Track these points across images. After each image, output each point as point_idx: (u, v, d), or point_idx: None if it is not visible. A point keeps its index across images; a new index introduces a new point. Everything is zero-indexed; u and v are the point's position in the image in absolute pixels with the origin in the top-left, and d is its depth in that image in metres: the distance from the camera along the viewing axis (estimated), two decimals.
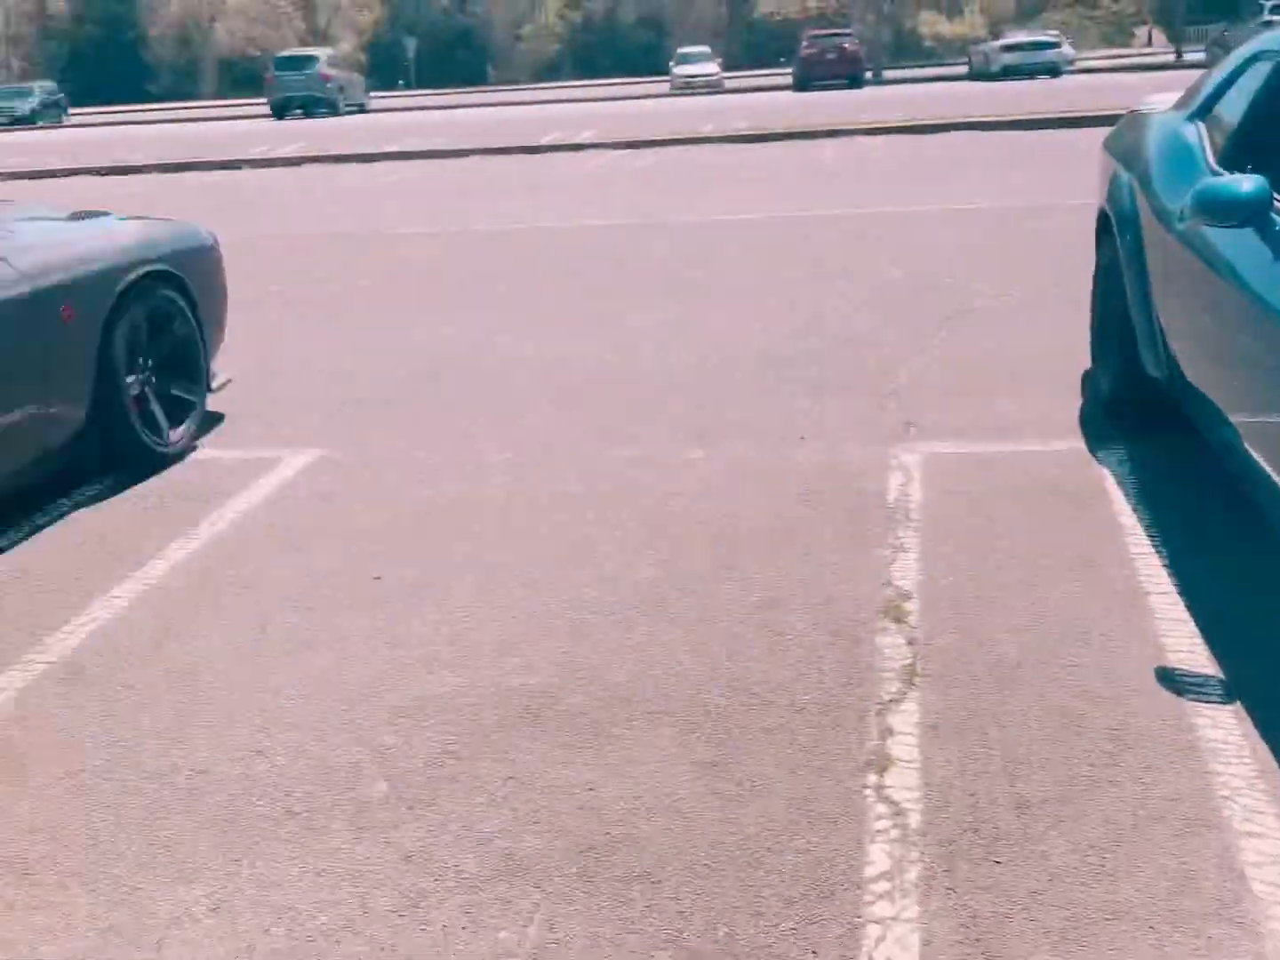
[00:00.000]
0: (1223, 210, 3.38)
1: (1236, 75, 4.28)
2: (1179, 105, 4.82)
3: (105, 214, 5.79)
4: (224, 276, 5.95)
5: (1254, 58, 4.18)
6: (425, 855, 2.64)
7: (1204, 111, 4.44)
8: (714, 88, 40.77)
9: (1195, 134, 4.36)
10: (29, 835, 2.79)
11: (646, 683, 3.28)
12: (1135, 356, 4.59)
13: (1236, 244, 3.45)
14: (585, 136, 22.91)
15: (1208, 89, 4.50)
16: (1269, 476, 3.23)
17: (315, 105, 35.99)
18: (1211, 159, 4.12)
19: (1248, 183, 3.36)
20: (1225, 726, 2.91)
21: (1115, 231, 4.80)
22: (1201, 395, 3.94)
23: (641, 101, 36.20)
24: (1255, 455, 3.34)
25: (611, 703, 3.20)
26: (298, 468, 5.22)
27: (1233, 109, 4.18)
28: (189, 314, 5.46)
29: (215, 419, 5.86)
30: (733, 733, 3.03)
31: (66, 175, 21.63)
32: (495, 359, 6.92)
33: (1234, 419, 3.59)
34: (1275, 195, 3.34)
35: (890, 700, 3.13)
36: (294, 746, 3.09)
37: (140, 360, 5.17)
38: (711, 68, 43.11)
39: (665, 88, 42.16)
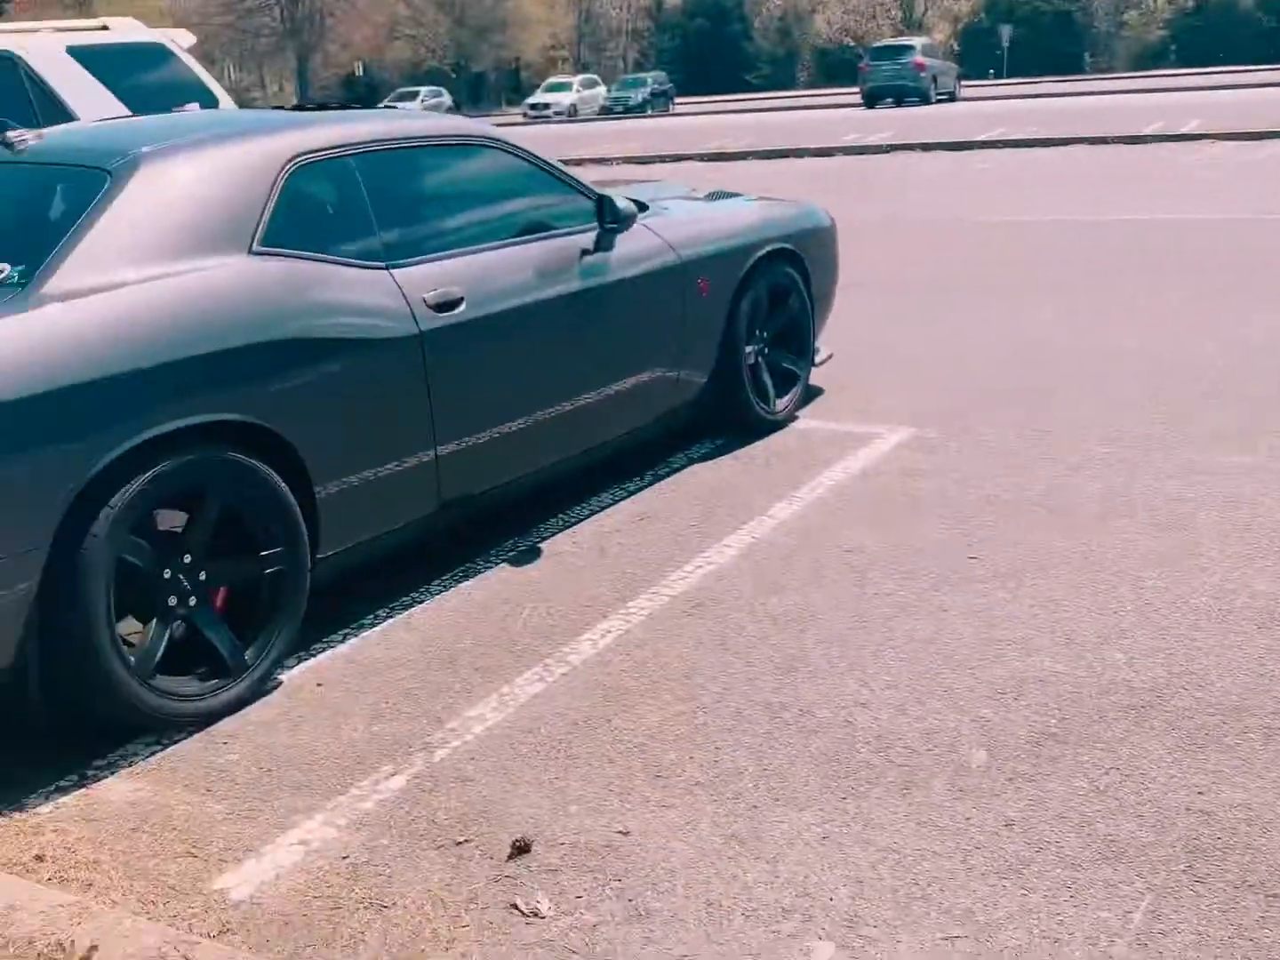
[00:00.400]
0: None
1: None
2: None
3: (737, 195, 6.24)
4: (837, 257, 6.22)
5: None
6: (1026, 826, 2.70)
7: None
8: None
9: None
10: (660, 743, 3.13)
11: (1263, 697, 3.14)
12: None
13: None
14: (1191, 126, 21.54)
15: None
16: None
17: (906, 94, 36.23)
18: None
19: None
20: None
21: None
22: None
23: (1255, 91, 33.39)
24: None
25: (1224, 711, 3.09)
26: (892, 443, 5.39)
27: None
28: (804, 291, 5.78)
29: (815, 392, 6.17)
30: None
31: (673, 160, 23.29)
32: (1090, 350, 6.76)
33: None
34: None
35: None
36: (894, 704, 3.24)
37: (757, 332, 5.53)
38: None
39: None
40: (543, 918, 2.52)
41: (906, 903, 2.49)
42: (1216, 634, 3.48)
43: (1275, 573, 3.84)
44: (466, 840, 2.78)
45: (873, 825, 2.75)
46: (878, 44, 40.82)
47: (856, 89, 38.50)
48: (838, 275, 6.24)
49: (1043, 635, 3.55)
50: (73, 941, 2.32)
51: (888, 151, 22.24)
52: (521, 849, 2.73)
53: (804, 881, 2.57)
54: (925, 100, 36.18)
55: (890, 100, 36.66)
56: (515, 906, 2.55)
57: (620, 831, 2.78)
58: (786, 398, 5.76)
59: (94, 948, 2.30)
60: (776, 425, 5.66)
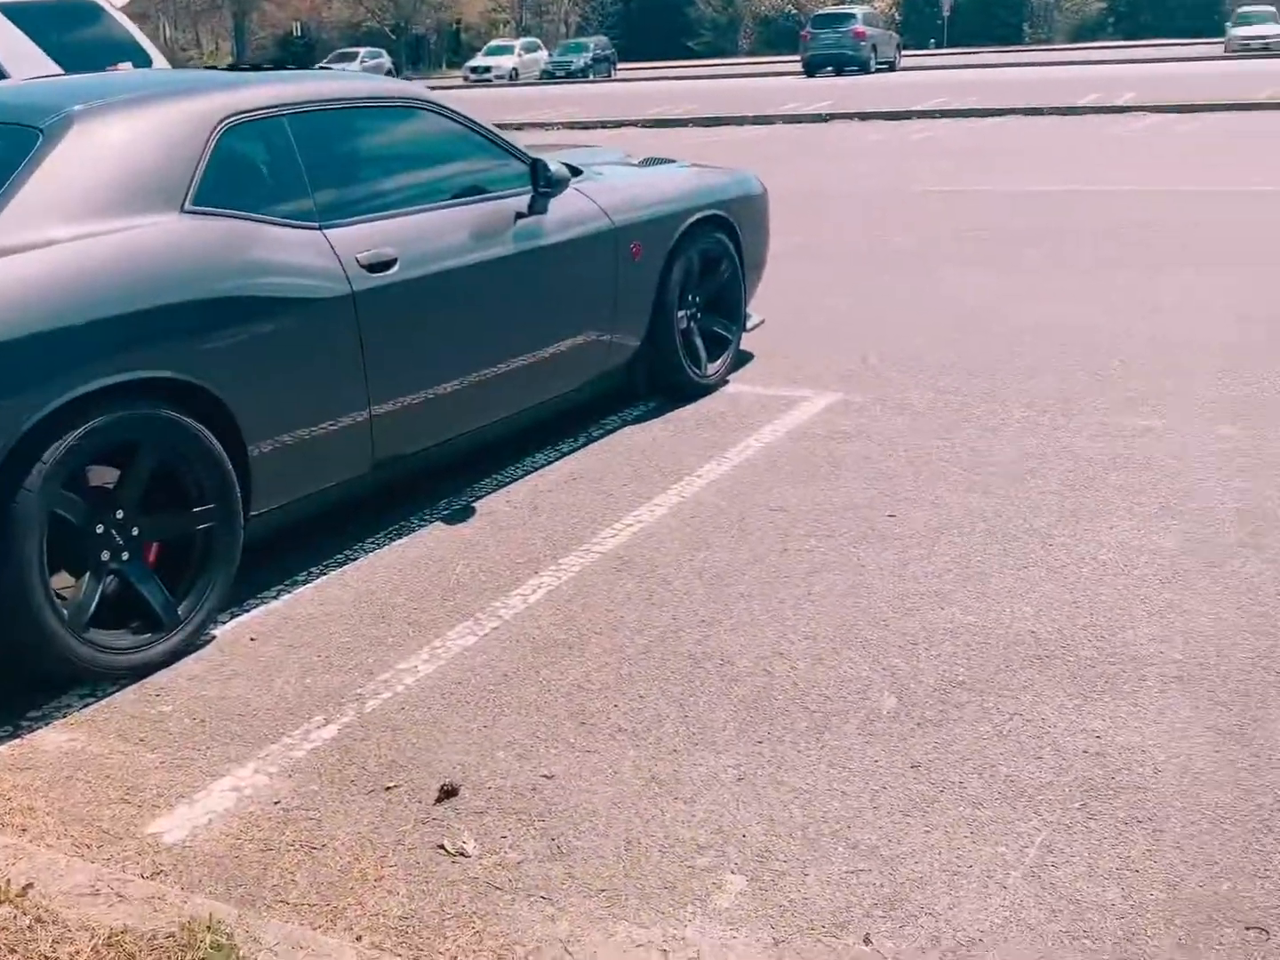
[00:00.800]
0: None
1: None
2: None
3: (671, 161, 6.31)
4: (768, 225, 6.32)
5: None
6: (931, 768, 2.83)
7: None
8: (1276, 50, 37.44)
9: None
10: (585, 693, 3.23)
11: (1162, 646, 3.29)
12: None
13: None
14: (1126, 99, 21.86)
15: None
16: None
17: (846, 63, 36.38)
18: None
19: None
20: None
21: None
22: None
23: (1190, 64, 33.88)
24: None
25: (1124, 660, 3.24)
26: (820, 407, 5.51)
27: None
28: (735, 257, 5.87)
29: (746, 357, 6.27)
30: (1253, 705, 2.99)
31: (614, 126, 23.29)
32: (1019, 319, 6.92)
33: None
34: None
35: None
36: (811, 654, 3.37)
37: (689, 297, 5.62)
38: (1275, 29, 39.61)
39: (1217, 50, 39.22)
40: (468, 857, 2.61)
41: (815, 839, 2.61)
42: (1121, 588, 3.64)
43: (1180, 531, 4.00)
44: (396, 785, 2.87)
45: (786, 767, 2.87)
46: (819, 12, 40.89)
47: (798, 57, 38.55)
48: (769, 242, 6.34)
49: (955, 589, 3.69)
50: (8, 880, 2.39)
51: (826, 120, 22.38)
52: (449, 793, 2.82)
53: (719, 820, 2.69)
54: (865, 69, 36.36)
55: (831, 69, 36.78)
56: (442, 847, 2.65)
57: (545, 775, 2.88)
58: (718, 362, 5.86)
59: (29, 885, 2.36)
60: (708, 389, 5.76)
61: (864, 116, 22.24)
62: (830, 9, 41.81)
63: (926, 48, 52.25)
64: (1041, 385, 5.65)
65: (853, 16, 37.29)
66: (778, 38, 59.42)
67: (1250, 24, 40.32)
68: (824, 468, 4.77)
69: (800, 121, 22.71)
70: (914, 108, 22.64)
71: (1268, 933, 2.27)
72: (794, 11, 60.11)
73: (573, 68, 47.15)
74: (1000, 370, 5.93)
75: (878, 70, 36.85)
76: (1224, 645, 3.28)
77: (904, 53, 40.95)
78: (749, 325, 6.15)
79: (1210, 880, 2.42)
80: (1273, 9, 43.17)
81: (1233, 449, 4.70)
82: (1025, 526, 4.11)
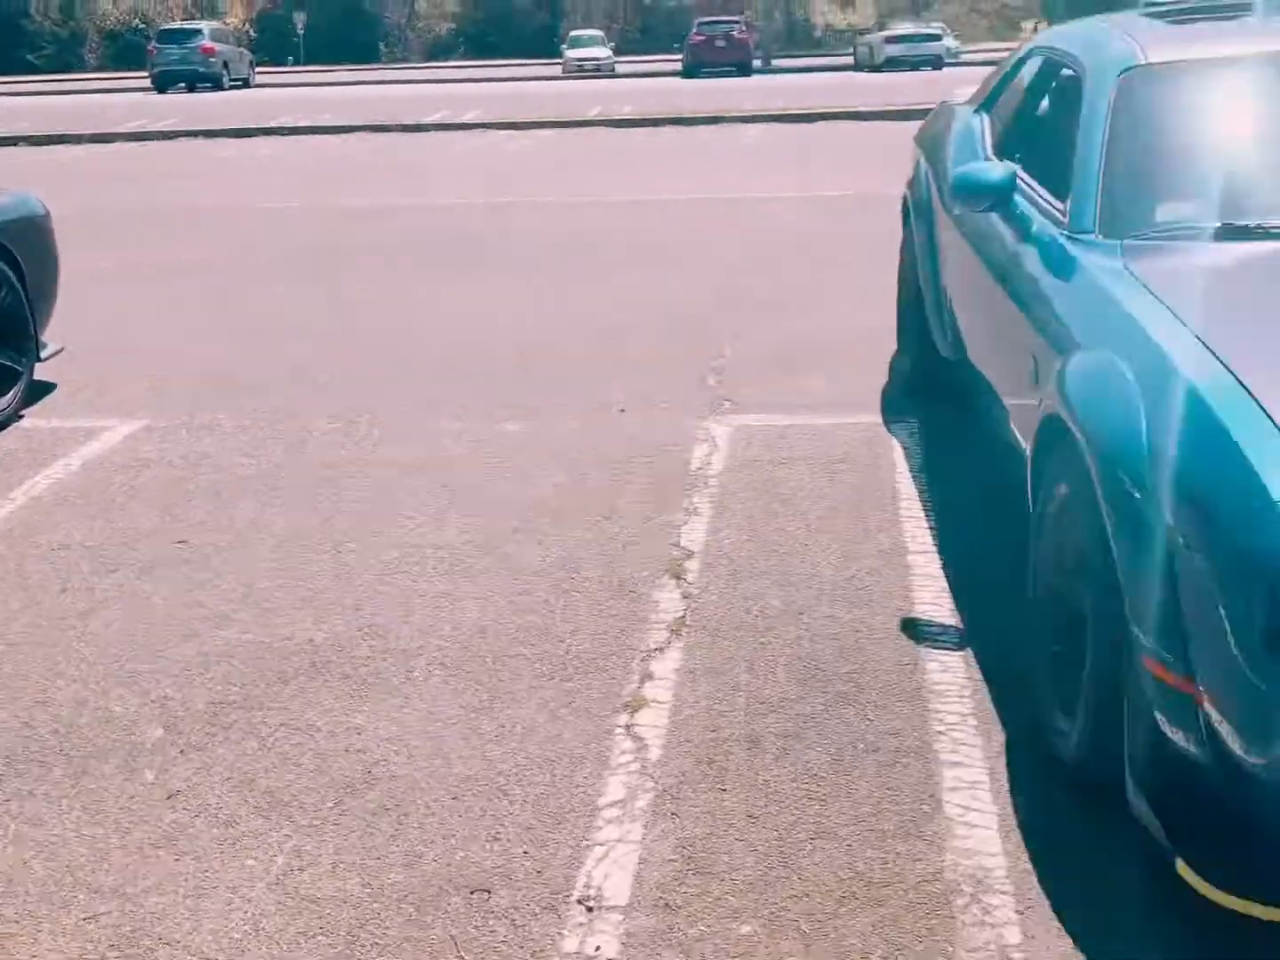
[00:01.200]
0: (973, 195, 3.58)
1: (1016, 70, 4.54)
2: (973, 98, 5.07)
3: None
4: (55, 247, 5.94)
5: (1029, 54, 4.44)
6: (191, 794, 2.77)
7: (989, 104, 4.69)
8: (605, 71, 40.85)
9: (979, 125, 4.60)
10: None
11: (432, 636, 3.44)
12: (930, 338, 4.83)
13: (987, 228, 3.67)
14: (470, 116, 22.87)
15: (994, 82, 4.76)
16: (1024, 453, 3.31)
17: (199, 79, 35.31)
18: (989, 149, 4.36)
19: (997, 169, 3.59)
20: (953, 670, 3.16)
21: (912, 218, 5.04)
22: (979, 375, 4.15)
23: (533, 84, 36.13)
24: (1015, 433, 3.47)
25: (395, 654, 3.35)
26: (121, 436, 5.27)
27: (1009, 102, 4.43)
28: (16, 284, 5.46)
29: (46, 388, 5.87)
30: (505, 680, 3.20)
31: None
32: (334, 330, 7.00)
33: (1003, 398, 3.72)
34: (1023, 180, 3.56)
35: (656, 648, 3.33)
36: (75, 698, 3.20)
37: None
38: (603, 51, 43.16)
39: (557, 70, 42.14)
40: None
41: (55, 891, 2.47)
42: (402, 585, 3.77)
43: (463, 525, 4.21)
44: None
45: (35, 821, 2.69)
46: (164, 27, 39.43)
47: (147, 73, 36.91)
48: (58, 266, 5.96)
49: (239, 609, 3.65)
50: None
51: (174, 138, 21.57)
52: None
53: None
54: (219, 86, 35.49)
55: (184, 85, 35.56)
56: None
57: None
58: (7, 397, 5.43)
59: None
60: None
61: (212, 134, 21.63)
62: (176, 25, 40.45)
63: (285, 64, 51.86)
64: (348, 396, 5.73)
65: (199, 32, 36.26)
66: (127, 52, 56.35)
67: (582, 46, 43.65)
68: (119, 499, 4.56)
69: (146, 139, 21.69)
70: (263, 125, 22.33)
71: (490, 892, 2.43)
72: (142, 25, 57.39)
73: None
74: (311, 383, 5.95)
75: (232, 87, 36.07)
76: (486, 625, 3.49)
77: (262, 69, 40.43)
78: (44, 355, 5.75)
79: (446, 852, 2.55)
80: (601, 34, 47.06)
81: (513, 444, 5.01)
82: (318, 538, 4.14)
